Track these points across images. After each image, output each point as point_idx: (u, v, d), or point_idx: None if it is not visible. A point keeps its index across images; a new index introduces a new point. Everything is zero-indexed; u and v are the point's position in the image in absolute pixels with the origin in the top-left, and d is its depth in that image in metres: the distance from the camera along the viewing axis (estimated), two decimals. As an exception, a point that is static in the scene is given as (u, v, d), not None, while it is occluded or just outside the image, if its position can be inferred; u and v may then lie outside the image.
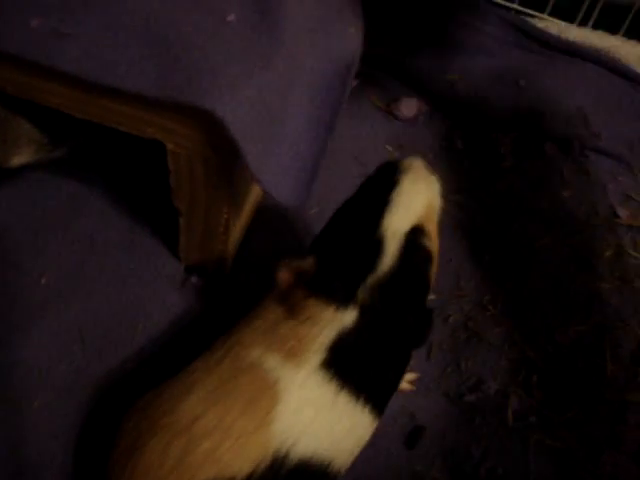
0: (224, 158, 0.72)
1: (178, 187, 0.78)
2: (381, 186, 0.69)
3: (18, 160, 0.88)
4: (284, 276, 0.68)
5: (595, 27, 1.28)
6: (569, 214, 1.09)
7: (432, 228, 0.70)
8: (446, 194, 0.96)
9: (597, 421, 0.88)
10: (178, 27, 0.70)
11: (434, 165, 1.07)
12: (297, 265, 0.68)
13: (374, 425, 0.71)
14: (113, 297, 0.89)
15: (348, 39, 0.85)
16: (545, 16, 1.29)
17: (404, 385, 0.86)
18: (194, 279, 0.91)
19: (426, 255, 0.69)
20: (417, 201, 0.69)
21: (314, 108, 0.77)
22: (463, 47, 1.24)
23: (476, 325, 0.94)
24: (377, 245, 0.66)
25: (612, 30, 1.28)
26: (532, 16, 1.30)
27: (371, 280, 0.66)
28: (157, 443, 0.62)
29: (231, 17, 0.72)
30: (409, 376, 0.87)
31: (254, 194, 0.93)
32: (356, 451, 0.71)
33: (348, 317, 0.66)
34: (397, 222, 0.67)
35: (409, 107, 1.15)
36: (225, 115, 0.65)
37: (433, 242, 0.70)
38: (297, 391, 0.64)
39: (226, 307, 0.90)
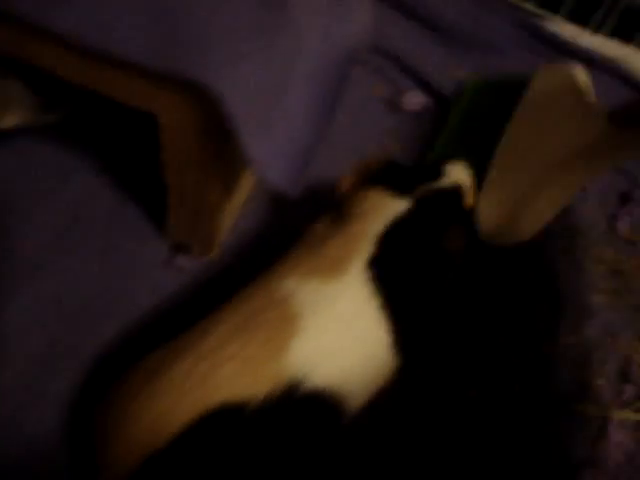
0: (219, 136, 0.70)
1: (169, 162, 0.76)
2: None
3: (8, 121, 0.86)
4: (348, 178, 0.79)
5: (609, 35, 1.26)
6: (567, 222, 1.08)
7: (467, 191, 0.83)
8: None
9: (577, 436, 0.87)
10: (179, -3, 0.67)
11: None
12: (367, 162, 0.81)
13: (394, 367, 0.74)
14: (94, 270, 0.87)
15: (354, 24, 0.83)
16: (559, 19, 1.27)
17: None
18: (179, 259, 0.89)
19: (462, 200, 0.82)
20: (465, 175, 0.83)
21: (314, 93, 0.75)
22: (472, 44, 1.22)
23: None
24: (438, 172, 0.80)
25: (626, 39, 1.26)
26: (546, 18, 1.27)
27: (429, 186, 0.77)
28: (181, 368, 0.65)
29: (237, -8, 0.70)
30: None
31: (247, 180, 0.91)
32: (371, 390, 0.73)
33: (403, 205, 0.74)
34: (454, 171, 0.82)
35: (413, 100, 1.12)
36: (222, 91, 0.62)
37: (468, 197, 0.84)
38: (318, 321, 0.68)
39: (209, 291, 0.87)
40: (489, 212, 0.86)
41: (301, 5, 0.74)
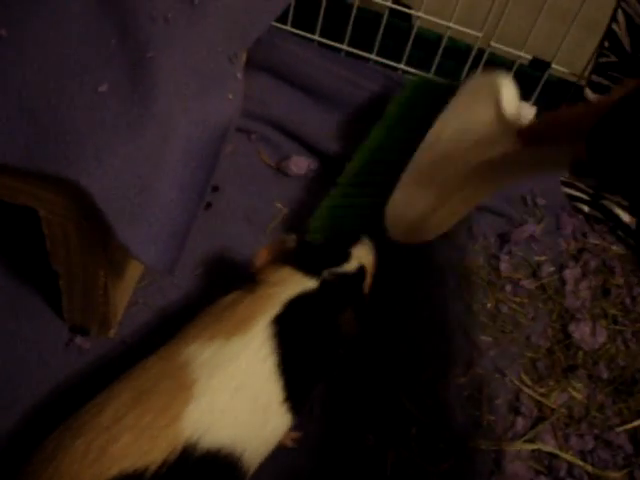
0: (96, 224, 0.73)
1: (54, 251, 0.79)
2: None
3: None
4: (263, 254, 0.84)
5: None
6: (456, 264, 1.13)
7: (370, 272, 0.91)
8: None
9: (474, 472, 0.91)
10: (49, 98, 0.71)
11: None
12: (281, 241, 0.87)
13: (286, 426, 0.79)
14: (-4, 359, 0.89)
15: (225, 105, 0.87)
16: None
17: (286, 441, 0.88)
18: (79, 340, 0.91)
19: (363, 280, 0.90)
20: (369, 255, 0.91)
21: (188, 174, 0.79)
22: (350, 104, 1.28)
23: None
24: (345, 254, 0.88)
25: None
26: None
27: (335, 271, 0.84)
28: (81, 443, 0.66)
29: (103, 87, 0.74)
30: (292, 434, 0.89)
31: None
32: (265, 450, 0.77)
33: (310, 284, 0.82)
34: (359, 252, 0.89)
35: (299, 165, 1.17)
36: (90, 185, 0.66)
37: (369, 278, 0.91)
38: (213, 383, 0.72)
39: (109, 369, 0.90)
40: (398, 212, 0.89)
41: (168, 94, 0.78)
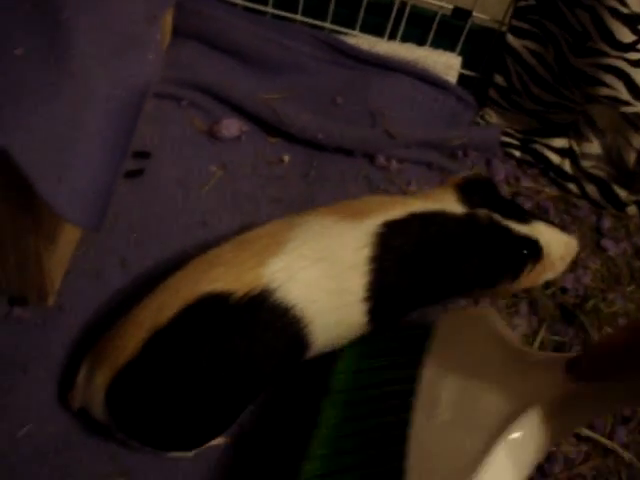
0: (21, 189, 0.74)
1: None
2: None
3: None
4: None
5: (403, 40, 1.37)
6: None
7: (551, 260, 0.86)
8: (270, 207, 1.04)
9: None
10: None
11: (258, 179, 1.14)
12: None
13: (358, 328, 0.83)
14: None
15: (145, 65, 0.88)
16: (356, 32, 1.36)
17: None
18: (17, 310, 0.91)
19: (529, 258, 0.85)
20: (559, 244, 0.86)
21: (109, 134, 0.80)
22: (281, 68, 1.29)
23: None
24: (524, 218, 0.84)
25: (419, 42, 1.37)
26: (344, 33, 1.37)
27: (495, 217, 0.81)
28: (189, 266, 0.82)
29: (19, 51, 0.74)
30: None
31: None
32: (331, 336, 0.82)
33: (456, 209, 0.82)
34: (546, 233, 0.85)
35: (230, 128, 1.18)
36: (10, 145, 0.66)
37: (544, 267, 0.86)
38: (303, 247, 0.79)
39: (50, 337, 0.91)
40: None
41: (86, 55, 0.79)
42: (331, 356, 0.86)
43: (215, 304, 0.76)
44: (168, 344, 0.76)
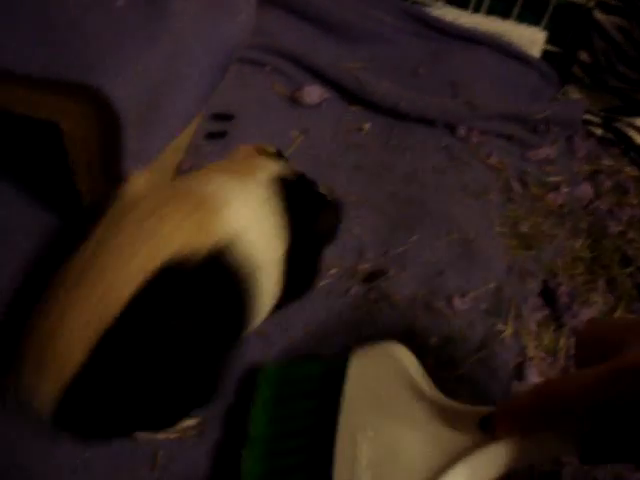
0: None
1: (77, 169, 0.81)
2: None
3: None
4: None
5: (487, 13, 1.35)
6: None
7: None
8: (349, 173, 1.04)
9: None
10: (68, 12, 0.73)
11: (338, 146, 1.14)
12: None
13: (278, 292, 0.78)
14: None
15: (236, 26, 0.90)
16: (440, 4, 1.35)
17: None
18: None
19: None
20: None
21: (200, 88, 0.82)
22: (364, 37, 1.29)
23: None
24: None
25: (504, 15, 1.35)
26: (428, 5, 1.36)
27: None
28: (131, 220, 0.67)
29: (120, 2, 0.76)
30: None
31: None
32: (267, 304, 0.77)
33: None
34: None
35: (312, 94, 1.19)
36: (111, 92, 0.68)
37: None
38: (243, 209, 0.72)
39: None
40: None
41: (182, 11, 0.81)
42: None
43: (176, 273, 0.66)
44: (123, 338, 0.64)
